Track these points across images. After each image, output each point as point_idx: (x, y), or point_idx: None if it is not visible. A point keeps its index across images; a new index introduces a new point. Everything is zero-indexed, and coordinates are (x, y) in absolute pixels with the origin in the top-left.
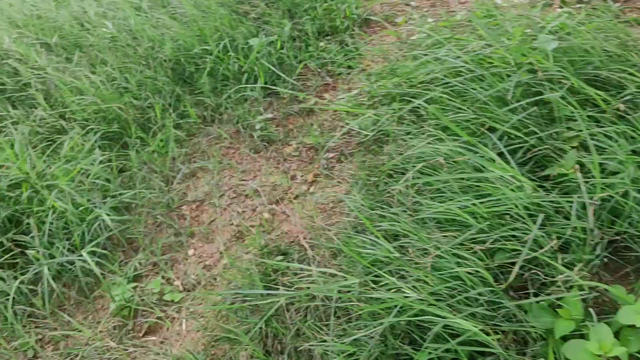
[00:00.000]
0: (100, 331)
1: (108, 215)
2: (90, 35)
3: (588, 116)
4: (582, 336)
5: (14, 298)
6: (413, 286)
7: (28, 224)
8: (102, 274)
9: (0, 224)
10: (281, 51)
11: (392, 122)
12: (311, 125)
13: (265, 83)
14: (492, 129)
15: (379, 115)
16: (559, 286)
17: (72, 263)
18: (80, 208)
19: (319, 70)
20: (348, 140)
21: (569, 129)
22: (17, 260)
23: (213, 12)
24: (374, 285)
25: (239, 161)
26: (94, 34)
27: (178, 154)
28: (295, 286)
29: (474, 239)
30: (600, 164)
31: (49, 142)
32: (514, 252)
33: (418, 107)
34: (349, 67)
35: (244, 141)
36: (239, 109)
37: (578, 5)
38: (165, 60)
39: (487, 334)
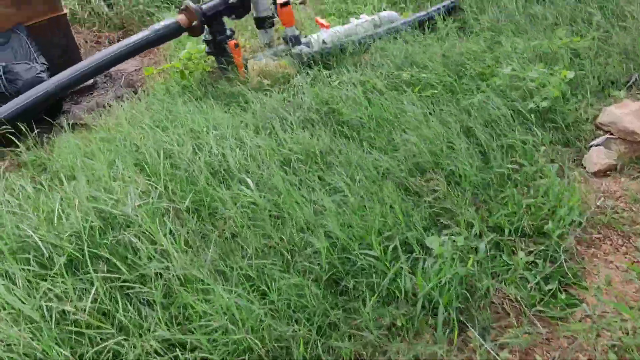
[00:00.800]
0: None
1: None
2: (225, 195)
3: None
4: None
5: None
6: None
7: None
8: None
9: None
10: (470, 268)
11: None
12: None
13: (449, 315)
14: None
15: None
16: None
17: None
18: None
19: (521, 304)
20: None
21: None
22: None
23: (382, 193)
24: None
25: None
26: (232, 195)
27: None
28: None
29: None
30: None
31: None
32: None
33: None
34: (567, 305)
35: None
36: (411, 355)
37: None
38: (316, 254)
39: None
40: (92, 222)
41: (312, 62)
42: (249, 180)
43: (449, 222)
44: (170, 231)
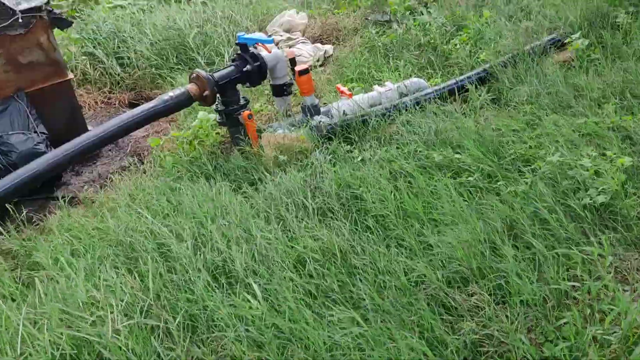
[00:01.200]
0: None
1: None
2: (226, 308)
3: None
4: None
5: None
6: None
7: None
8: None
9: None
10: None
11: None
12: None
13: None
14: None
15: None
16: None
17: None
18: None
19: None
20: None
21: None
22: None
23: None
24: None
25: None
26: (233, 307)
27: None
28: None
29: None
30: None
31: None
32: None
33: None
34: None
35: None
36: None
37: None
38: None
39: None
40: (62, 350)
41: (332, 134)
42: (255, 286)
43: (494, 351)
44: (159, 355)
